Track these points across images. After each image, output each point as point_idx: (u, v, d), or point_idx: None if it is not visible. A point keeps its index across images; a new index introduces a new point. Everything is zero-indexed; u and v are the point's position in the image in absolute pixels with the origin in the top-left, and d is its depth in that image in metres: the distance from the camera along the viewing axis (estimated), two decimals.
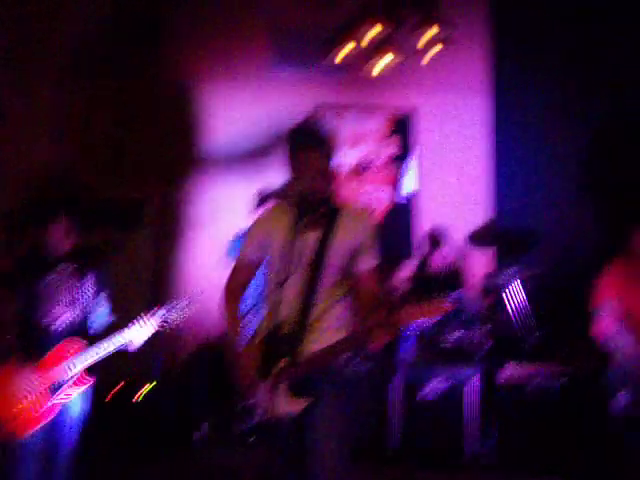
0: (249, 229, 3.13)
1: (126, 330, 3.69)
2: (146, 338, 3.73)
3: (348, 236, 2.91)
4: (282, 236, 2.88)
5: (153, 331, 3.72)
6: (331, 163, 2.93)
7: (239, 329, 3.04)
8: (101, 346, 3.66)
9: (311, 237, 2.89)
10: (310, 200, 2.87)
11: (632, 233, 4.04)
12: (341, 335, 2.86)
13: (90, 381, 3.72)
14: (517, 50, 6.74)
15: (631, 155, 5.56)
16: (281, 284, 2.86)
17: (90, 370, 3.70)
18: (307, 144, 2.88)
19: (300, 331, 2.88)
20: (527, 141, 6.65)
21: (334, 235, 2.90)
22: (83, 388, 3.71)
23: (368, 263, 2.96)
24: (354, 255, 2.93)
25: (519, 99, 6.76)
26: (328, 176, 2.91)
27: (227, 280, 3.15)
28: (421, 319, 2.67)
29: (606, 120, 5.88)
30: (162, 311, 3.74)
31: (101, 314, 3.91)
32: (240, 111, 6.66)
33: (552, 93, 6.45)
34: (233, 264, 3.15)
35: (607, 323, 3.88)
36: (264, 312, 3.03)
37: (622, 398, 3.85)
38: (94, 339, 3.70)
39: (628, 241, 4.07)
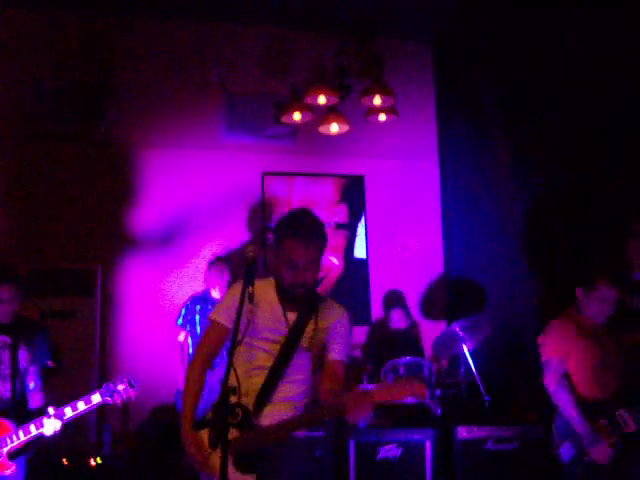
0: (227, 294, 3.04)
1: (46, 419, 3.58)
2: (56, 430, 3.59)
3: (324, 325, 2.93)
4: (257, 307, 2.82)
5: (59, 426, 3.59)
6: (321, 257, 2.90)
7: (195, 399, 2.92)
8: (28, 428, 3.57)
9: (289, 316, 2.89)
10: (297, 292, 2.84)
11: (574, 292, 4.12)
12: (294, 412, 2.86)
13: (11, 467, 3.59)
14: (461, 116, 6.94)
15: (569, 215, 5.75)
16: (234, 350, 2.80)
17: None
18: (306, 236, 2.82)
19: (257, 404, 2.84)
20: (473, 204, 6.78)
21: (312, 320, 2.90)
22: (7, 472, 3.57)
23: (338, 354, 2.95)
24: (326, 344, 2.94)
25: (465, 163, 6.93)
26: (316, 269, 2.88)
27: (198, 345, 3.04)
28: (394, 400, 2.64)
29: (542, 185, 6.07)
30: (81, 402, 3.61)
31: (32, 390, 3.81)
32: (190, 177, 6.66)
33: (496, 155, 6.63)
34: (206, 328, 3.05)
35: (551, 379, 3.96)
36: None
37: (566, 449, 3.89)
38: (26, 417, 3.61)
39: (568, 301, 4.15)
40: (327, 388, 2.88)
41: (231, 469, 2.69)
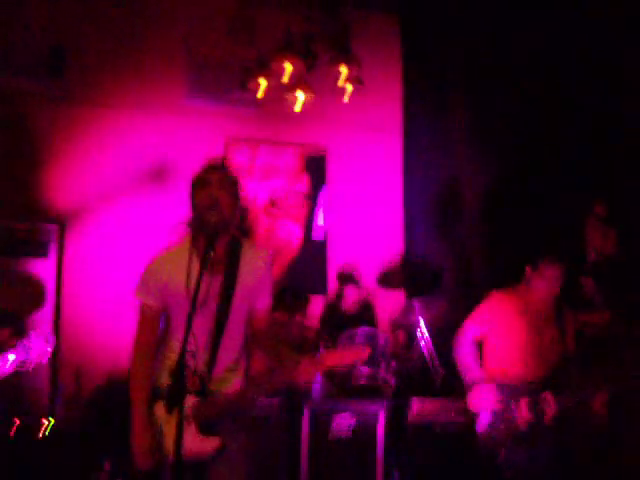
0: (144, 275, 2.91)
1: None
2: None
3: (249, 277, 2.88)
4: (182, 277, 2.76)
5: None
6: (230, 184, 2.84)
7: (145, 393, 2.89)
8: None
9: (215, 279, 2.81)
10: (211, 213, 2.73)
11: (523, 267, 4.17)
12: (237, 377, 2.89)
13: None
14: (427, 90, 6.94)
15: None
16: (180, 325, 2.77)
17: None
18: (206, 168, 2.84)
19: (211, 372, 2.82)
20: (434, 180, 6.82)
21: (238, 277, 2.84)
22: None
23: (264, 302, 2.97)
24: (252, 294, 2.91)
25: (427, 138, 6.94)
26: (229, 197, 2.81)
27: (135, 340, 2.96)
28: (340, 364, 2.68)
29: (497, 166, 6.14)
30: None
31: None
32: (150, 140, 6.55)
33: (456, 132, 6.66)
34: (139, 315, 2.95)
35: (466, 350, 4.04)
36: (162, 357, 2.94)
37: (484, 418, 3.97)
38: None
39: (516, 276, 4.21)
40: (257, 340, 2.94)
41: (191, 437, 2.71)
